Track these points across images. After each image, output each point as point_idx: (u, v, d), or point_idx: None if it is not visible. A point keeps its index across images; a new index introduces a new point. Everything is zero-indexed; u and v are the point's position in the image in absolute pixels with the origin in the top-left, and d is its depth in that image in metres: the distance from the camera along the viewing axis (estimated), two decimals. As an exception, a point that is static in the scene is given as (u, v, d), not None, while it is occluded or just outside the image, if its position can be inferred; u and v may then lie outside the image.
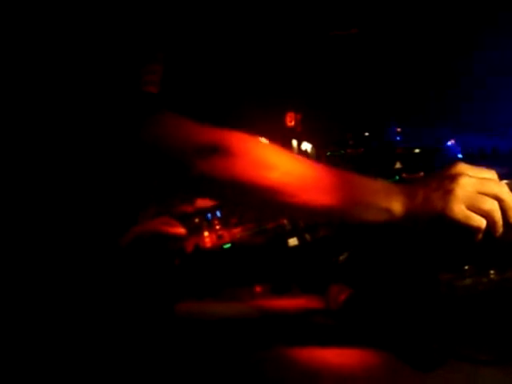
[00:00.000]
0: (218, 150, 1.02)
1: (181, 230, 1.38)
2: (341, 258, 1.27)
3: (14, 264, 1.06)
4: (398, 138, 1.58)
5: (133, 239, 1.33)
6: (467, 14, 1.79)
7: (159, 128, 1.03)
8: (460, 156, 1.44)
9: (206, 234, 1.39)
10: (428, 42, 1.88)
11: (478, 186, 1.02)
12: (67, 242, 1.09)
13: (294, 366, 1.04)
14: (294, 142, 1.67)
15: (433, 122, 1.70)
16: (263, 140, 1.14)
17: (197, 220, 1.41)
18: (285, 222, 1.35)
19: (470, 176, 1.02)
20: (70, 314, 1.08)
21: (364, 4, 1.95)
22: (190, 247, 1.36)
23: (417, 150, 1.48)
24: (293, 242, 1.32)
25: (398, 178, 1.38)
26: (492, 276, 1.09)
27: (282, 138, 1.24)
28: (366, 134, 1.60)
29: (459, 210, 1.00)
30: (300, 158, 1.12)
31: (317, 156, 1.58)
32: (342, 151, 1.55)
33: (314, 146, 1.61)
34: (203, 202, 1.43)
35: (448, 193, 1.01)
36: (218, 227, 1.40)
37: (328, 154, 1.55)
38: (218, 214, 1.42)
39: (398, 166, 1.43)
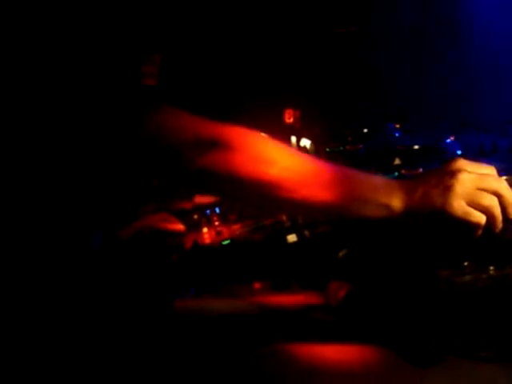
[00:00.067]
0: (217, 145, 1.01)
1: (179, 227, 1.37)
2: (340, 254, 1.27)
3: (12, 259, 1.06)
4: (397, 135, 1.58)
5: (132, 235, 1.33)
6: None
7: (159, 122, 1.03)
8: (459, 152, 1.44)
9: (205, 230, 1.38)
10: (427, 40, 1.88)
11: (477, 181, 1.02)
12: (66, 237, 1.09)
13: (293, 362, 1.04)
14: (293, 139, 1.67)
15: (432, 118, 1.70)
16: (263, 135, 1.13)
17: (196, 216, 1.41)
18: (284, 218, 1.34)
19: (470, 172, 1.02)
20: (69, 310, 1.07)
21: (363, 1, 1.95)
22: (188, 243, 1.36)
23: (416, 147, 1.48)
24: (292, 238, 1.32)
25: (397, 174, 1.38)
26: (491, 272, 1.09)
27: (280, 135, 1.24)
28: (365, 130, 1.60)
29: (459, 206, 1.00)
30: (299, 153, 1.12)
31: (316, 152, 1.58)
32: (341, 147, 1.55)
33: (313, 143, 1.61)
34: (202, 199, 1.43)
35: (447, 189, 1.01)
36: (216, 223, 1.40)
37: (327, 150, 1.55)
38: (217, 210, 1.42)
39: (397, 162, 1.43)
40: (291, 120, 1.78)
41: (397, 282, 1.14)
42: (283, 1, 1.91)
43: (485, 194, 1.01)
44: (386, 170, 1.38)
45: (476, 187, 1.01)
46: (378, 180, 1.07)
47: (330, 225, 1.29)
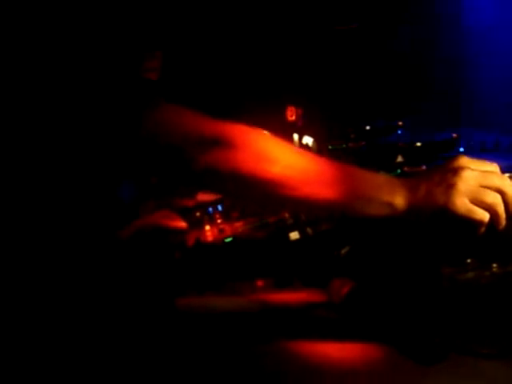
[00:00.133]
0: (219, 143, 1.01)
1: (182, 224, 1.38)
2: (342, 251, 1.27)
3: (13, 258, 1.06)
4: (400, 132, 1.58)
5: (133, 233, 1.33)
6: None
7: (160, 120, 1.02)
8: (462, 150, 1.44)
9: (208, 227, 1.39)
10: (428, 38, 1.88)
11: (480, 179, 1.02)
12: (67, 236, 1.09)
13: (295, 359, 1.04)
14: (296, 137, 1.67)
15: (434, 116, 1.70)
16: (265, 132, 1.13)
17: (198, 214, 1.41)
18: (286, 215, 1.34)
19: (472, 169, 1.02)
20: (71, 308, 1.07)
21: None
22: (191, 241, 1.36)
23: (418, 144, 1.48)
24: (294, 235, 1.32)
25: (399, 171, 1.38)
26: (494, 269, 1.09)
27: (282, 133, 1.24)
28: (367, 127, 1.60)
29: (462, 203, 1.00)
30: (302, 151, 1.12)
31: (318, 150, 1.58)
32: (344, 145, 1.55)
33: (316, 140, 1.61)
34: (204, 196, 1.43)
35: (450, 186, 1.01)
36: (219, 221, 1.40)
37: (329, 147, 1.55)
38: (220, 207, 1.42)
39: (399, 159, 1.43)
40: (293, 118, 1.78)
41: (400, 279, 1.14)
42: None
43: (488, 191, 1.01)
44: (388, 167, 1.38)
45: (479, 185, 1.01)
46: (381, 178, 1.07)
47: (332, 222, 1.29)
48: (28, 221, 1.06)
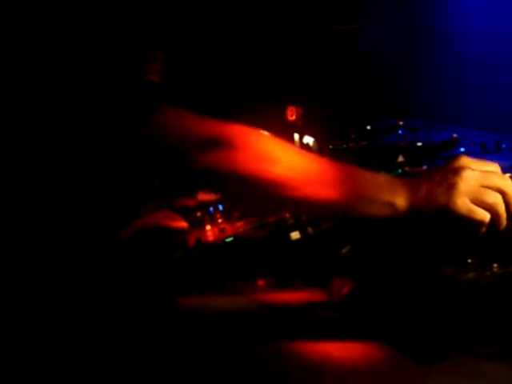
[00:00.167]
0: (220, 143, 1.01)
1: (182, 224, 1.38)
2: (343, 250, 1.27)
3: (13, 258, 1.06)
4: (400, 132, 1.58)
5: (134, 233, 1.33)
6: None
7: (161, 121, 1.02)
8: (462, 150, 1.44)
9: (208, 227, 1.39)
10: (429, 38, 1.88)
11: (481, 179, 1.02)
12: (68, 236, 1.09)
13: (296, 359, 1.04)
14: (296, 136, 1.67)
15: (435, 116, 1.70)
16: (266, 133, 1.13)
17: (199, 214, 1.41)
18: (287, 215, 1.35)
19: (473, 169, 1.02)
20: (71, 308, 1.07)
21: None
22: (191, 241, 1.36)
23: (419, 144, 1.48)
24: (295, 235, 1.32)
25: (400, 171, 1.38)
26: (495, 269, 1.09)
27: (283, 133, 1.24)
28: (368, 127, 1.60)
29: (463, 203, 1.00)
30: (303, 151, 1.12)
31: (319, 150, 1.58)
32: (344, 145, 1.55)
33: (316, 140, 1.61)
34: (205, 196, 1.44)
35: (451, 186, 1.01)
36: (220, 221, 1.40)
37: (330, 147, 1.55)
38: (220, 207, 1.42)
39: (400, 159, 1.43)
40: (294, 117, 1.78)
41: (400, 278, 1.14)
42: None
43: (489, 191, 1.01)
44: (389, 167, 1.38)
45: (480, 185, 1.01)
46: (382, 178, 1.07)
47: (333, 222, 1.29)
48: (29, 221, 1.07)
